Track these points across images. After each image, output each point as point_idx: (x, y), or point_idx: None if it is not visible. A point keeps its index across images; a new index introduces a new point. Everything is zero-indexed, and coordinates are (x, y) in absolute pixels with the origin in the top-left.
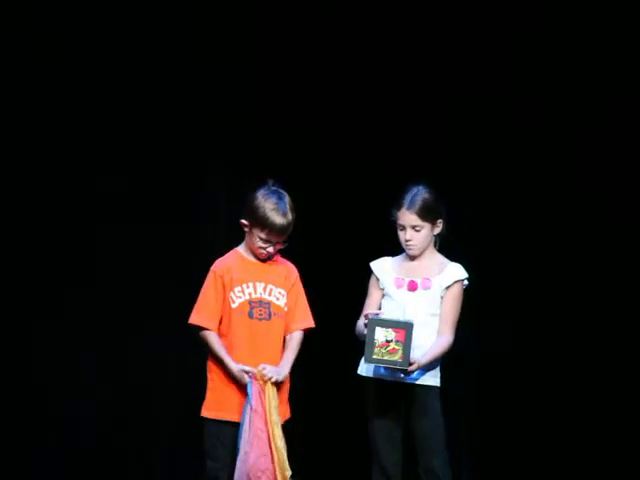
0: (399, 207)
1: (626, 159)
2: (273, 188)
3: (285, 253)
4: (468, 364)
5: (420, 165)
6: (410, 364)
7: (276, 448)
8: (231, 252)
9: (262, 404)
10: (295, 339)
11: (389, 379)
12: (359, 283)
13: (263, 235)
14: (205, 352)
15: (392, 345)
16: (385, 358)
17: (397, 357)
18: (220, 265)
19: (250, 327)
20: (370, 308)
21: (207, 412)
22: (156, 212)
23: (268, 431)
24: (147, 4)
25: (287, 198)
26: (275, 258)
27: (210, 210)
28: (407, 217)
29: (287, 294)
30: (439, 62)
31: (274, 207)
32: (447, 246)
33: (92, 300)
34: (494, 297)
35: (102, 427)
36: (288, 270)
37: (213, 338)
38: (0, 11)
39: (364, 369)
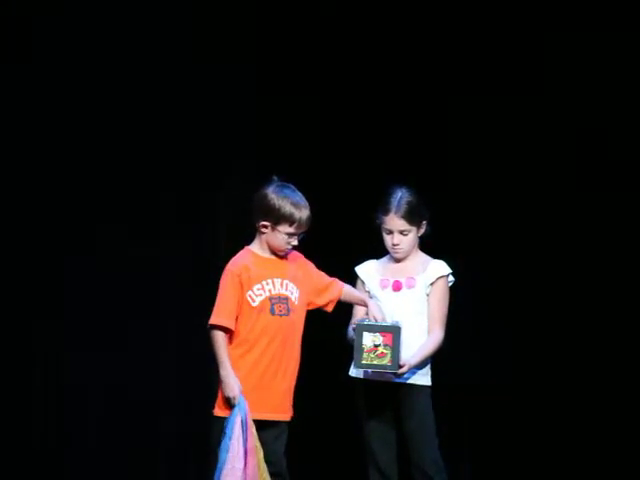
0: (386, 212)
1: (625, 159)
2: (280, 183)
3: None
4: (468, 362)
5: (419, 166)
6: (400, 366)
7: (260, 468)
8: (243, 251)
9: (251, 424)
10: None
11: (379, 379)
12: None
13: (291, 230)
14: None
15: (380, 349)
16: (374, 363)
17: (386, 361)
18: (236, 264)
19: (272, 324)
20: (359, 313)
21: (220, 411)
22: (156, 212)
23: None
24: (147, 4)
25: (298, 191)
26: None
27: (210, 210)
28: (395, 222)
29: (299, 287)
30: (436, 62)
31: (294, 201)
32: (445, 246)
33: (92, 300)
34: (494, 297)
35: (103, 427)
36: (296, 259)
37: (222, 340)
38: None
39: (355, 371)
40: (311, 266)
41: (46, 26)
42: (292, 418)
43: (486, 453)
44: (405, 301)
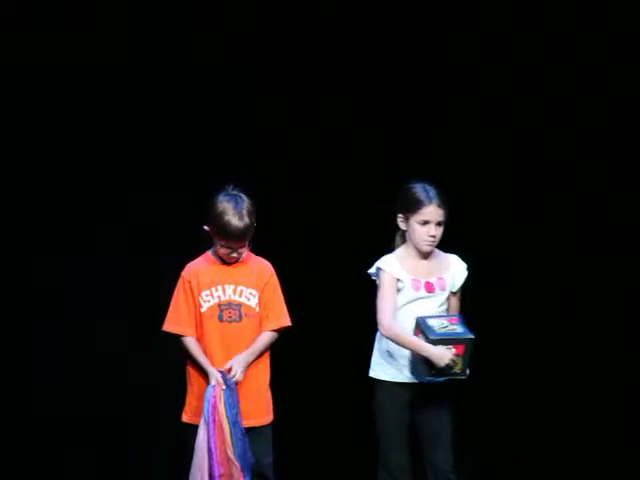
0: (424, 203)
1: (626, 158)
2: (233, 193)
3: (281, 251)
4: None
5: (415, 162)
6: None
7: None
8: (202, 255)
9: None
10: (261, 339)
11: (410, 381)
12: (343, 282)
13: (223, 243)
14: (184, 358)
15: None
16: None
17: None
18: (188, 269)
19: (221, 330)
20: (392, 310)
21: (188, 417)
22: (155, 213)
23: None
24: (147, 4)
25: (246, 203)
26: (247, 257)
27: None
28: (436, 212)
29: (260, 293)
30: (437, 61)
31: (230, 215)
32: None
33: (92, 300)
34: (494, 297)
35: (102, 427)
36: (261, 268)
37: (191, 343)
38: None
39: (379, 373)
40: (272, 287)
41: (46, 25)
42: (272, 422)
43: (487, 453)
44: (437, 303)
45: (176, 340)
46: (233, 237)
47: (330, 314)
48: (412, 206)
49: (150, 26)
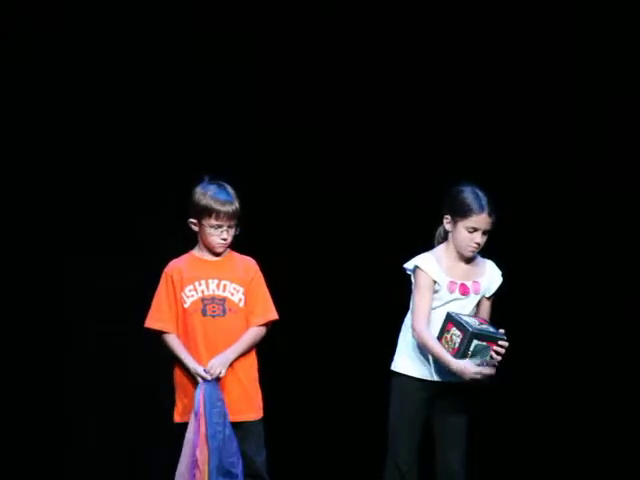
0: (476, 211)
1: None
2: (210, 181)
3: (278, 250)
4: None
5: (420, 162)
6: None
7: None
8: (186, 254)
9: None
10: (248, 334)
11: (432, 379)
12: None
13: (213, 221)
14: (170, 357)
15: None
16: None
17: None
18: (171, 266)
19: (205, 324)
20: (427, 313)
21: (179, 417)
22: (154, 212)
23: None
24: (147, 4)
25: (228, 186)
26: (231, 254)
27: None
28: (486, 221)
29: (245, 289)
30: (441, 60)
31: (214, 194)
32: None
33: (90, 299)
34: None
35: (102, 426)
36: (246, 265)
37: (173, 340)
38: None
39: (401, 367)
40: (257, 282)
41: (45, 25)
42: (262, 417)
43: (488, 453)
44: (468, 306)
45: (158, 337)
46: (223, 211)
47: (326, 312)
48: (463, 211)
49: (150, 26)
